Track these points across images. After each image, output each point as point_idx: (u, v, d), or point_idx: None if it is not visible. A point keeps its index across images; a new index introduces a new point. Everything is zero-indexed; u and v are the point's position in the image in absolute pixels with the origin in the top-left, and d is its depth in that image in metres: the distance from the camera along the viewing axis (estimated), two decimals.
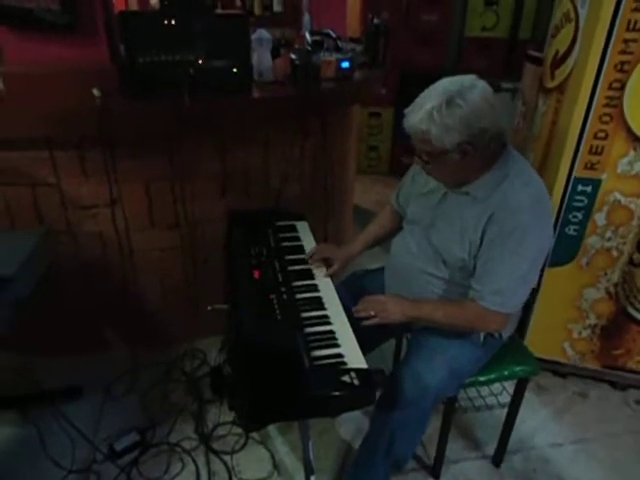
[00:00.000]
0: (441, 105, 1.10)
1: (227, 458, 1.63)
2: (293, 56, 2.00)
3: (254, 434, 1.72)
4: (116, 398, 1.85)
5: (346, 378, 1.06)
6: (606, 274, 1.77)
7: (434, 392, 1.24)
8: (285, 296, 1.32)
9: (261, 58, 1.87)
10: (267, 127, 1.90)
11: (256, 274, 1.41)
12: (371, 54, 2.48)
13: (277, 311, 1.26)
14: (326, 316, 1.28)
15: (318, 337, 1.19)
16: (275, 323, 1.22)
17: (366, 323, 1.26)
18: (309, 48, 1.99)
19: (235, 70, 1.69)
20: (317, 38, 2.03)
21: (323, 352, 1.14)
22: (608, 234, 1.70)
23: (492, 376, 1.38)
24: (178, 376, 1.96)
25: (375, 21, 2.74)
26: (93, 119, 1.56)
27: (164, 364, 1.99)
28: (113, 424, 1.72)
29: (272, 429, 1.75)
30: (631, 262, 1.73)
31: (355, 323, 1.26)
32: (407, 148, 4.34)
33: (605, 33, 1.44)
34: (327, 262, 1.52)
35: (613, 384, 1.97)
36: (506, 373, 1.39)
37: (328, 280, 1.46)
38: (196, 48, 1.61)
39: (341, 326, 1.25)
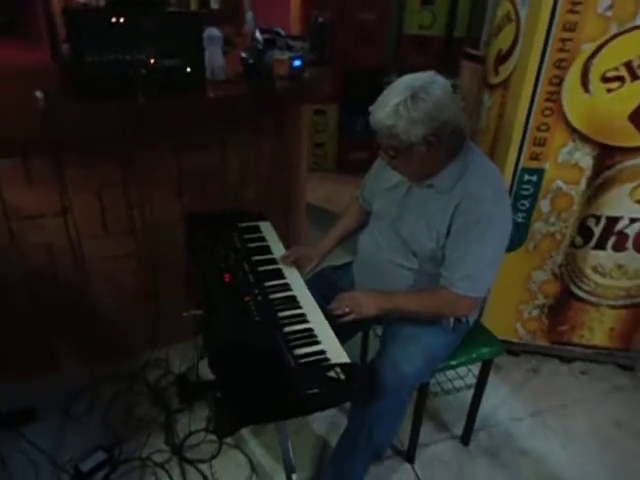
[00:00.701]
0: (406, 100, 1.14)
1: (203, 467, 1.60)
2: (244, 54, 1.98)
3: (228, 439, 1.69)
4: (76, 417, 1.75)
5: (332, 374, 1.08)
6: (551, 257, 1.91)
7: (412, 379, 1.28)
8: (260, 297, 1.32)
9: (213, 56, 1.83)
10: (223, 127, 1.86)
11: (227, 277, 1.39)
12: (318, 52, 2.50)
13: (254, 312, 1.25)
14: (303, 314, 1.29)
15: (298, 336, 1.20)
16: (255, 325, 1.21)
17: (342, 320, 1.28)
18: (260, 46, 1.97)
19: (189, 69, 1.64)
20: (268, 36, 2.02)
21: (305, 350, 1.15)
22: (552, 219, 1.83)
23: (462, 359, 1.45)
24: (141, 388, 1.89)
25: (319, 19, 2.77)
26: (36, 123, 1.46)
27: (125, 377, 1.91)
28: (76, 445, 1.63)
29: (245, 432, 1.73)
30: (573, 244, 1.88)
31: (330, 319, 1.28)
32: (353, 144, 4.41)
33: (544, 33, 1.55)
34: (297, 262, 1.52)
35: (561, 358, 2.13)
36: (474, 355, 1.47)
37: (299, 278, 1.47)
38: (147, 47, 1.55)
39: (319, 323, 1.26)
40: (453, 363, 1.43)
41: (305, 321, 1.26)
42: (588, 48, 1.54)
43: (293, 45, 2.10)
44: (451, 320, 1.38)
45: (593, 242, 1.86)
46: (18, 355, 1.81)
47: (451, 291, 1.26)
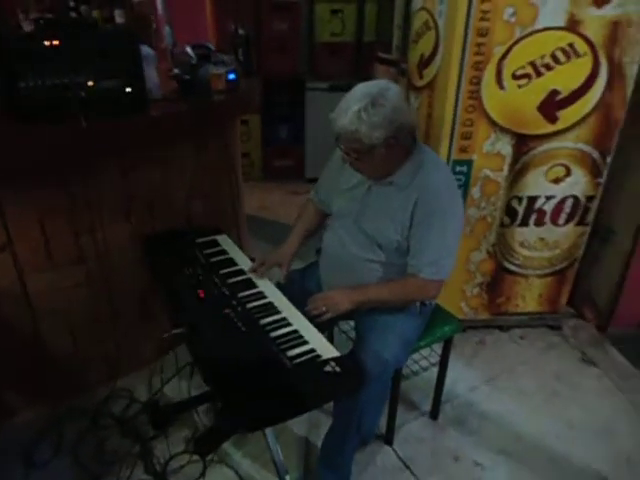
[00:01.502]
0: (367, 106, 1.24)
1: None
2: (177, 70, 1.97)
3: (212, 456, 1.68)
4: (42, 463, 1.64)
5: (328, 368, 1.14)
6: (485, 237, 2.12)
7: (392, 364, 1.38)
8: (239, 308, 1.35)
9: (148, 75, 1.80)
10: (166, 145, 1.84)
11: (201, 293, 1.40)
12: (244, 64, 2.54)
13: (239, 323, 1.27)
14: (284, 318, 1.34)
15: (286, 339, 1.25)
16: (243, 334, 1.23)
17: (321, 319, 1.34)
18: (193, 62, 1.97)
19: (129, 89, 1.62)
20: (200, 52, 2.02)
21: (296, 351, 1.21)
22: (483, 204, 2.04)
23: (428, 340, 1.58)
24: (108, 422, 1.81)
25: (240, 31, 2.81)
26: None
27: (88, 413, 1.82)
28: None
29: (228, 446, 1.73)
30: (502, 224, 2.10)
31: (309, 320, 1.34)
32: (278, 152, 4.48)
33: (462, 39, 1.73)
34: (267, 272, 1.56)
35: (501, 328, 2.36)
36: (438, 334, 1.60)
37: (271, 285, 1.51)
38: (85, 69, 1.50)
39: (301, 324, 1.32)
40: (422, 344, 1.55)
41: (288, 324, 1.31)
42: (499, 51, 1.75)
43: (224, 59, 2.12)
44: (417, 305, 1.50)
45: (518, 220, 2.09)
46: None
47: (419, 277, 1.38)
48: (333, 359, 1.16)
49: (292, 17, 3.78)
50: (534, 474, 1.67)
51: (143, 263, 1.79)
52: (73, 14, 2.27)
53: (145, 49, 1.80)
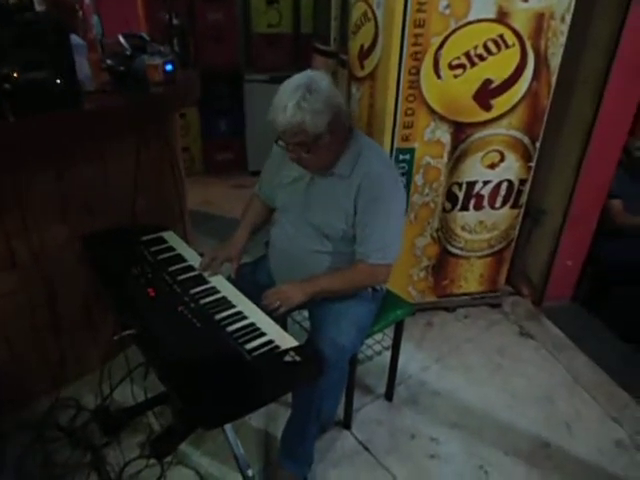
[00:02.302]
0: (304, 95, 1.25)
1: None
2: (110, 62, 1.88)
3: (169, 458, 1.64)
4: None
5: (288, 358, 1.14)
6: (429, 223, 2.19)
7: (349, 350, 1.41)
8: (192, 304, 1.32)
9: (79, 66, 1.70)
10: (102, 139, 1.76)
11: (151, 292, 1.35)
12: (181, 55, 2.46)
13: (193, 320, 1.25)
14: (240, 312, 1.32)
15: (243, 332, 1.24)
16: (198, 330, 1.21)
17: (276, 314, 1.34)
18: (128, 52, 1.88)
19: (59, 81, 1.52)
20: (134, 42, 1.93)
21: (254, 343, 1.20)
22: (426, 191, 2.11)
23: (382, 324, 1.62)
24: (54, 433, 1.71)
25: (175, 21, 2.72)
26: None
27: (32, 426, 1.71)
28: None
29: (185, 446, 1.69)
30: (444, 210, 2.18)
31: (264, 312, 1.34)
32: (218, 145, 4.40)
33: (400, 30, 1.77)
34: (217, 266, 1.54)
35: (447, 309, 2.47)
36: (391, 318, 1.65)
37: (223, 279, 1.49)
38: (8, 60, 1.40)
39: (257, 316, 1.31)
40: (376, 329, 1.59)
41: (244, 317, 1.30)
42: (435, 41, 1.81)
43: (161, 50, 2.04)
44: (369, 290, 1.53)
45: (459, 205, 2.19)
46: None
47: (367, 263, 1.41)
48: (292, 349, 1.17)
49: (226, 7, 3.71)
50: (485, 443, 1.76)
51: (84, 265, 1.70)
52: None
53: (74, 38, 1.70)
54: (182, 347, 1.15)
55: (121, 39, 1.93)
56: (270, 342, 1.21)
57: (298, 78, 1.30)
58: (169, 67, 1.95)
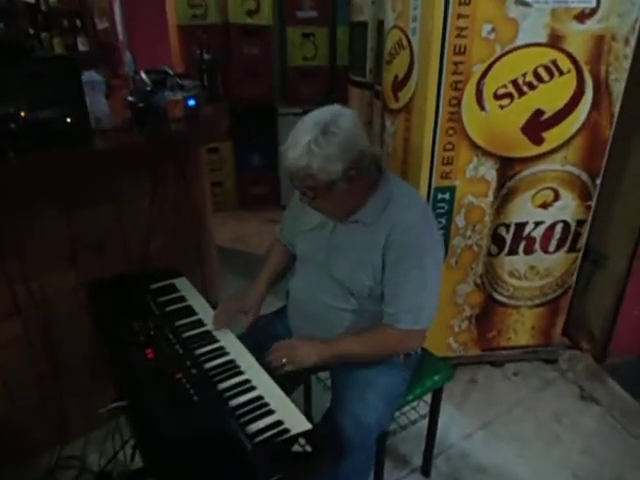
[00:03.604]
0: (317, 137, 1.08)
1: None
2: (131, 98, 1.80)
3: None
4: None
5: (297, 447, 0.94)
6: (472, 268, 1.96)
7: (376, 428, 1.19)
8: (194, 370, 1.14)
9: (95, 103, 1.63)
10: (116, 179, 1.66)
11: (149, 353, 1.19)
12: (210, 89, 2.39)
13: (191, 391, 1.07)
14: (247, 380, 1.14)
15: (247, 408, 1.05)
16: (194, 406, 1.03)
17: (280, 372, 1.16)
18: (148, 88, 1.81)
19: (69, 120, 1.43)
20: (156, 77, 1.86)
21: (259, 424, 1.00)
22: (468, 233, 1.88)
23: (417, 392, 1.39)
24: None
25: (206, 56, 2.66)
26: None
27: None
28: None
29: None
30: (489, 254, 1.95)
31: (273, 376, 1.15)
32: (252, 179, 4.32)
33: (438, 57, 1.60)
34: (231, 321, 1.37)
35: (493, 363, 2.19)
36: (428, 385, 1.42)
37: (233, 337, 1.31)
38: (16, 98, 1.32)
39: (267, 387, 1.12)
40: (409, 399, 1.37)
41: (251, 388, 1.11)
42: (478, 69, 1.62)
43: (184, 84, 1.96)
44: (401, 356, 1.31)
45: (506, 249, 1.94)
46: None
47: (396, 327, 1.20)
48: (303, 433, 0.97)
49: (263, 41, 3.68)
50: None
51: (90, 312, 1.58)
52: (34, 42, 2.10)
53: (91, 74, 1.64)
54: (173, 428, 0.97)
55: (143, 75, 1.86)
56: (279, 423, 1.01)
57: (319, 114, 1.13)
58: (191, 102, 1.86)
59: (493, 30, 1.57)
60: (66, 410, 1.72)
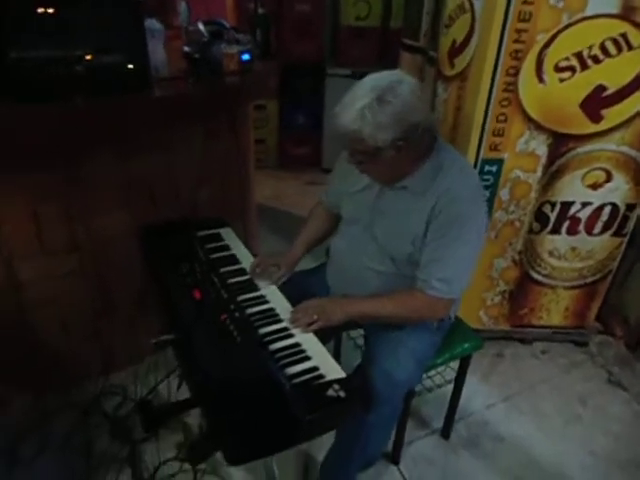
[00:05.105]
0: (372, 103, 1.08)
1: None
2: (187, 48, 1.83)
3: (204, 465, 1.57)
4: (26, 460, 1.55)
5: (331, 392, 1.00)
6: (511, 244, 1.95)
7: (405, 386, 1.24)
8: (237, 314, 1.21)
9: (154, 51, 1.67)
10: (171, 128, 1.71)
11: (197, 294, 1.27)
12: (262, 45, 2.38)
13: (234, 332, 1.14)
14: (286, 328, 1.20)
15: (286, 353, 1.12)
16: (238, 347, 1.10)
17: (309, 329, 1.20)
18: (205, 39, 1.83)
19: (131, 66, 1.48)
20: (213, 29, 1.88)
21: (297, 368, 1.07)
22: (511, 208, 1.86)
23: (446, 356, 1.43)
24: (98, 420, 1.71)
25: (260, 11, 2.65)
26: None
27: (78, 408, 1.72)
28: None
29: (220, 456, 1.61)
30: (531, 231, 1.93)
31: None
32: (295, 139, 4.30)
33: (500, 24, 1.54)
34: (265, 273, 1.42)
35: (521, 340, 2.20)
36: (457, 351, 1.46)
37: (274, 288, 1.37)
38: (82, 42, 1.37)
39: (305, 336, 1.18)
40: (438, 362, 1.41)
41: (290, 335, 1.18)
42: (542, 39, 1.56)
43: (239, 38, 1.97)
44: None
45: (549, 227, 1.92)
46: None
47: (427, 294, 1.22)
48: (337, 380, 1.03)
49: None
50: None
51: (141, 255, 1.67)
52: None
53: (152, 22, 1.66)
54: (218, 364, 1.05)
55: (200, 26, 1.88)
56: (314, 369, 1.07)
57: (378, 79, 1.13)
58: (245, 56, 1.87)
59: None
60: (114, 343, 1.85)
